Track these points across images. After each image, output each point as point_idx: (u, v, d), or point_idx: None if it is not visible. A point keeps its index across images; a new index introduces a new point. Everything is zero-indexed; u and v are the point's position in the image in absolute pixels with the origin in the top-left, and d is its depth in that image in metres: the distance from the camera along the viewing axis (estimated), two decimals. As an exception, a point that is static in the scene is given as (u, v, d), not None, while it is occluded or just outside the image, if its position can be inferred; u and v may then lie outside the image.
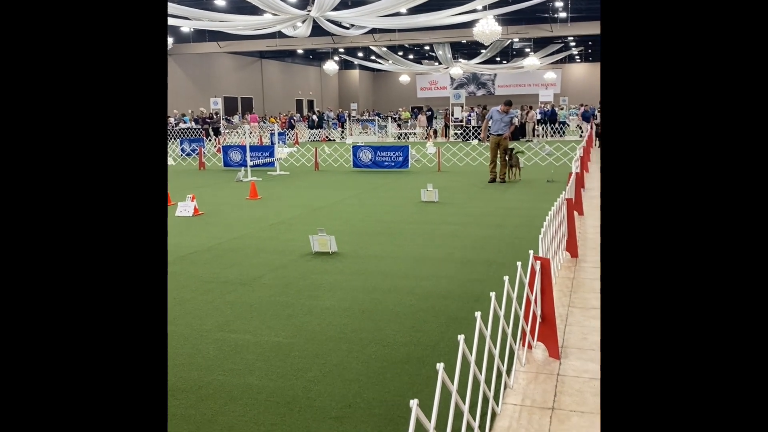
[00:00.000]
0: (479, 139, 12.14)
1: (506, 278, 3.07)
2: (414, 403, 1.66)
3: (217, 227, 7.86)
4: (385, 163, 14.43)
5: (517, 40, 36.61)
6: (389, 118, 30.42)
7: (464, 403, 2.38)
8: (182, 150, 18.77)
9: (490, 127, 11.72)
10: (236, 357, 3.68)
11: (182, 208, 8.73)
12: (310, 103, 49.37)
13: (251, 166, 13.31)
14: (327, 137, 27.68)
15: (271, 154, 14.74)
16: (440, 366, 1.98)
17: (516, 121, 12.28)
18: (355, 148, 14.91)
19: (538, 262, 3.58)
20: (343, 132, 28.44)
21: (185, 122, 28.94)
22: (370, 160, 14.55)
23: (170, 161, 17.45)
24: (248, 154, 13.27)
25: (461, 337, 2.30)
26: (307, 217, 8.50)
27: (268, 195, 10.69)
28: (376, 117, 36.22)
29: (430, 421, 1.92)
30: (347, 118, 34.25)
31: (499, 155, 11.65)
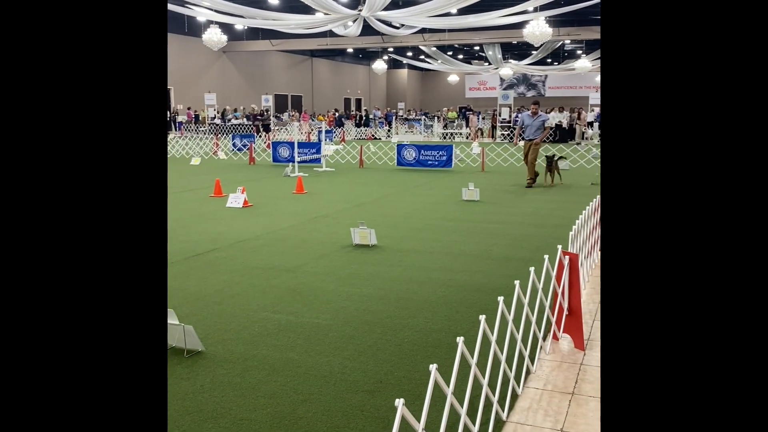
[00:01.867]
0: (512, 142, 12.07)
1: (532, 269, 3.25)
2: (433, 367, 1.88)
3: (264, 218, 8.23)
4: (429, 162, 14.62)
5: (568, 41, 36.12)
6: (435, 118, 30.53)
7: (484, 378, 2.59)
8: (234, 145, 19.39)
9: (523, 132, 11.49)
10: (279, 335, 3.97)
11: (233, 199, 9.15)
12: (358, 101, 49.86)
13: (299, 162, 13.71)
14: (373, 136, 28.01)
15: (318, 151, 15.13)
16: (460, 340, 2.20)
17: (549, 124, 12.01)
18: (400, 147, 15.16)
19: (567, 256, 3.74)
20: (389, 131, 28.73)
21: (237, 118, 29.77)
22: (414, 158, 14.77)
23: (222, 155, 18.09)
24: (296, 150, 13.68)
25: (482, 318, 2.51)
26: (350, 212, 8.79)
27: (313, 190, 11.05)
28: (423, 116, 36.43)
29: (449, 388, 2.14)
30: (395, 117, 34.60)
31: (529, 160, 11.30)
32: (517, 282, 3.10)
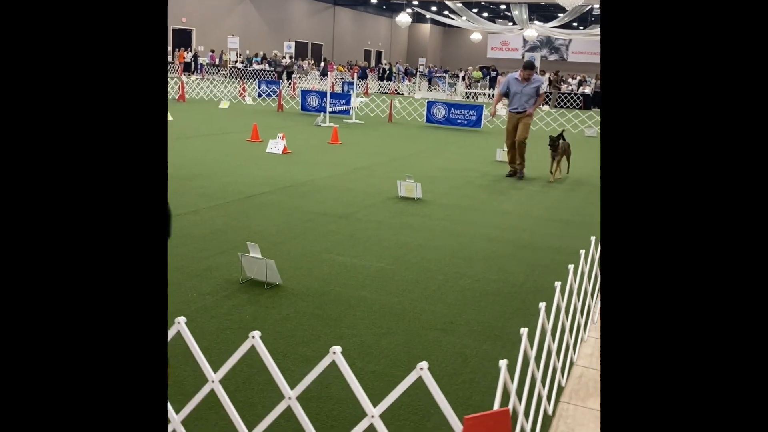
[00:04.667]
0: (491, 114, 8.96)
1: (593, 238, 3.48)
2: (524, 331, 2.14)
3: (306, 165, 8.45)
4: (458, 121, 14.72)
5: (597, 6, 35.40)
6: (457, 76, 30.29)
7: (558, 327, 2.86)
8: (262, 91, 19.42)
9: (508, 101, 8.53)
10: (347, 275, 4.24)
11: (272, 145, 9.35)
12: (378, 54, 49.28)
13: (336, 113, 13.83)
14: (395, 90, 27.90)
15: (348, 102, 15.21)
16: (542, 306, 2.45)
17: (543, 89, 8.51)
18: (430, 104, 15.22)
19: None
20: (413, 85, 28.59)
21: (258, 63, 29.63)
22: (444, 116, 14.86)
23: (249, 101, 18.18)
24: (328, 100, 13.78)
25: (558, 284, 2.76)
26: (387, 165, 8.99)
27: (347, 141, 11.22)
28: (444, 74, 36.11)
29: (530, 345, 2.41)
30: (415, 72, 34.28)
31: (516, 141, 8.33)
32: (582, 251, 3.34)
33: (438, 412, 2.12)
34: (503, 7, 40.92)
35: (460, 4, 38.03)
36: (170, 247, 4.55)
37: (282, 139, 9.34)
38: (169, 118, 12.53)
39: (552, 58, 48.40)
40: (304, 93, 16.40)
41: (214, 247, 4.70)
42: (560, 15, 38.26)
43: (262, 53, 31.77)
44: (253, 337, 1.79)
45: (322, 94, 15.54)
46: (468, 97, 27.16)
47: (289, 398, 1.77)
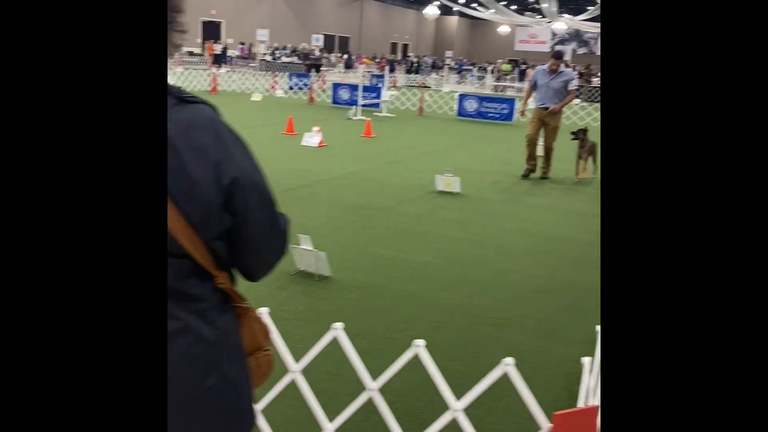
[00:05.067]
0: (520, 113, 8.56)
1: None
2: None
3: (342, 159, 8.48)
4: (490, 114, 14.63)
5: (630, -2, 34.73)
6: (486, 69, 30.07)
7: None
8: (293, 84, 19.48)
9: (535, 96, 7.87)
10: (392, 268, 4.26)
11: (308, 138, 9.40)
12: (405, 47, 49.13)
13: (365, 106, 13.85)
14: (423, 83, 27.80)
15: (378, 95, 15.20)
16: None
17: (574, 86, 7.85)
18: (462, 97, 15.15)
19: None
20: (440, 78, 28.47)
21: (287, 56, 29.74)
22: (475, 110, 14.78)
23: (281, 93, 18.27)
24: (360, 93, 13.79)
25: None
26: (421, 159, 8.98)
27: (379, 134, 11.22)
28: (471, 66, 35.84)
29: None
30: (442, 65, 34.11)
31: (542, 140, 7.79)
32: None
33: (520, 408, 2.13)
34: (532, -1, 40.47)
35: (489, -3, 37.68)
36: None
37: (318, 133, 9.38)
38: (204, 110, 12.64)
39: (581, 51, 47.75)
40: (336, 86, 16.43)
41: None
42: (590, 8, 37.69)
43: (290, 46, 31.90)
44: (336, 329, 1.81)
45: (353, 87, 15.56)
46: (497, 90, 26.97)
47: (371, 390, 1.79)
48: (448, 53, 44.41)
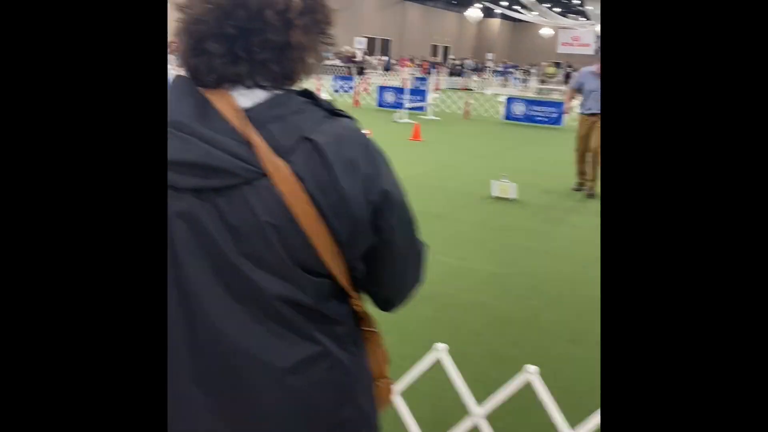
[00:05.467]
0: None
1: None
2: None
3: (392, 162, 8.38)
4: (538, 118, 14.36)
5: None
6: (529, 72, 29.66)
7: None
8: (340, 87, 19.52)
9: (581, 102, 7.11)
10: (457, 278, 4.14)
11: (357, 141, 9.35)
12: (445, 49, 48.93)
13: (411, 109, 13.76)
14: (466, 86, 27.58)
15: (423, 98, 15.10)
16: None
17: None
18: (510, 100, 14.92)
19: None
20: (482, 81, 28.22)
21: (329, 58, 29.89)
22: (523, 113, 14.53)
23: (326, 96, 18.30)
24: (407, 96, 13.71)
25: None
26: (472, 163, 8.84)
27: (427, 138, 11.11)
28: (513, 69, 35.43)
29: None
30: (483, 68, 33.77)
31: (590, 149, 6.92)
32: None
33: None
34: (576, 1, 39.80)
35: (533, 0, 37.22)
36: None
37: (369, 135, 9.31)
38: (252, 112, 12.74)
39: (626, 53, 46.65)
40: (381, 89, 16.39)
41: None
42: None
43: (332, 49, 31.97)
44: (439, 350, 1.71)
45: (398, 90, 15.49)
46: (541, 94, 26.57)
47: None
48: (489, 56, 44.01)
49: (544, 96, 23.73)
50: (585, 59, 41.96)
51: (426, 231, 5.26)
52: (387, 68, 29.31)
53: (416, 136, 10.84)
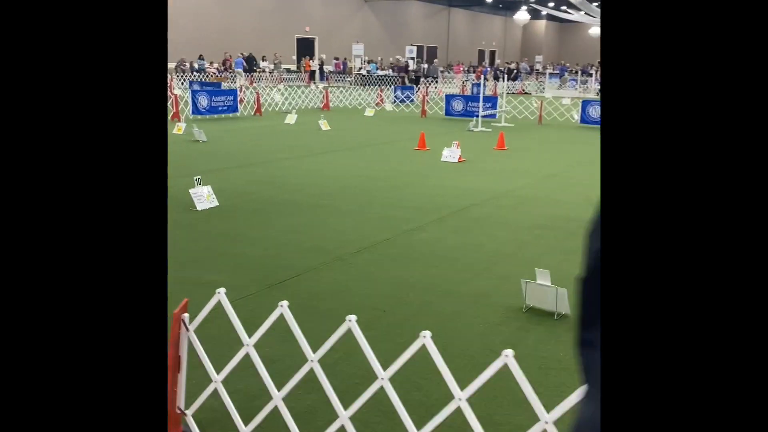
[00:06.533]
0: None
1: None
2: None
3: (491, 175, 8.08)
4: (617, 121, 13.83)
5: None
6: (589, 73, 28.93)
7: None
8: (396, 97, 19.34)
9: None
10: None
11: (447, 153, 9.07)
12: (492, 53, 48.38)
13: (483, 116, 13.43)
14: (523, 90, 27.06)
15: (494, 105, 14.74)
16: None
17: None
18: (584, 103, 14.43)
19: None
20: (539, 84, 27.64)
21: (381, 69, 29.80)
22: (599, 115, 14.01)
23: (390, 107, 18.15)
24: (481, 104, 13.40)
25: None
26: (575, 171, 8.44)
27: (511, 146, 10.75)
28: (560, 71, 34.66)
29: None
30: (531, 71, 33.09)
31: None
32: None
33: None
34: None
35: (582, -2, 36.40)
36: (429, 268, 4.32)
37: (457, 148, 9.03)
38: (327, 127, 12.65)
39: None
40: (448, 97, 16.10)
41: (468, 268, 4.40)
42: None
43: (379, 59, 31.97)
44: None
45: (466, 98, 15.19)
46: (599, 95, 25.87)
47: None
48: (538, 58, 43.27)
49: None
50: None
51: (568, 249, 4.84)
52: (432, 75, 28.90)
53: (500, 145, 10.49)
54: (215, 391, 2.21)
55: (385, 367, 1.91)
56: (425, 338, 1.82)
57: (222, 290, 2.14)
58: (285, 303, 2.02)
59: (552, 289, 3.57)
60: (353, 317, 1.94)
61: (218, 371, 2.20)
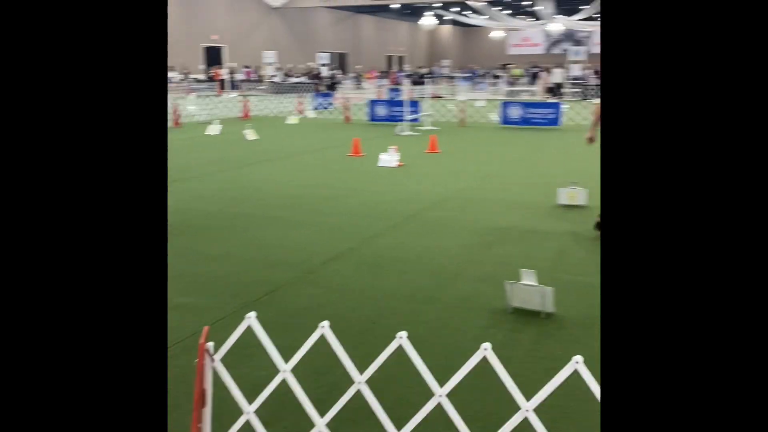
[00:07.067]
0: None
1: None
2: None
3: (431, 178, 8.15)
4: (535, 120, 14.38)
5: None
6: (499, 76, 29.97)
7: None
8: (319, 104, 19.13)
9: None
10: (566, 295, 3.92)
11: (385, 159, 9.07)
12: (400, 59, 49.08)
13: (409, 120, 13.56)
14: (436, 94, 27.59)
15: (416, 110, 14.93)
16: None
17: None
18: (505, 104, 14.91)
19: None
20: (451, 87, 28.33)
21: (296, 76, 29.45)
22: (520, 117, 14.53)
23: (312, 114, 17.95)
24: (407, 109, 13.52)
25: None
26: (510, 171, 8.68)
27: (443, 149, 10.91)
28: (472, 74, 35.74)
29: None
30: (441, 75, 33.86)
31: None
32: None
33: None
34: (526, 2, 40.58)
35: (484, 3, 37.76)
36: (402, 274, 4.27)
37: (395, 152, 9.06)
38: (255, 136, 12.32)
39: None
40: (373, 102, 16.14)
41: (441, 272, 4.40)
42: (584, 7, 37.80)
43: (289, 66, 31.58)
44: None
45: (390, 103, 15.30)
46: (511, 96, 26.86)
47: None
48: (446, 62, 44.38)
49: (515, 98, 23.96)
50: (535, 59, 42.82)
51: (528, 249, 4.95)
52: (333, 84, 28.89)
53: (433, 148, 10.63)
54: (247, 423, 2.07)
55: (441, 382, 1.85)
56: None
57: (252, 314, 2.01)
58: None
59: (538, 289, 3.63)
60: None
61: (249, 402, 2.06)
